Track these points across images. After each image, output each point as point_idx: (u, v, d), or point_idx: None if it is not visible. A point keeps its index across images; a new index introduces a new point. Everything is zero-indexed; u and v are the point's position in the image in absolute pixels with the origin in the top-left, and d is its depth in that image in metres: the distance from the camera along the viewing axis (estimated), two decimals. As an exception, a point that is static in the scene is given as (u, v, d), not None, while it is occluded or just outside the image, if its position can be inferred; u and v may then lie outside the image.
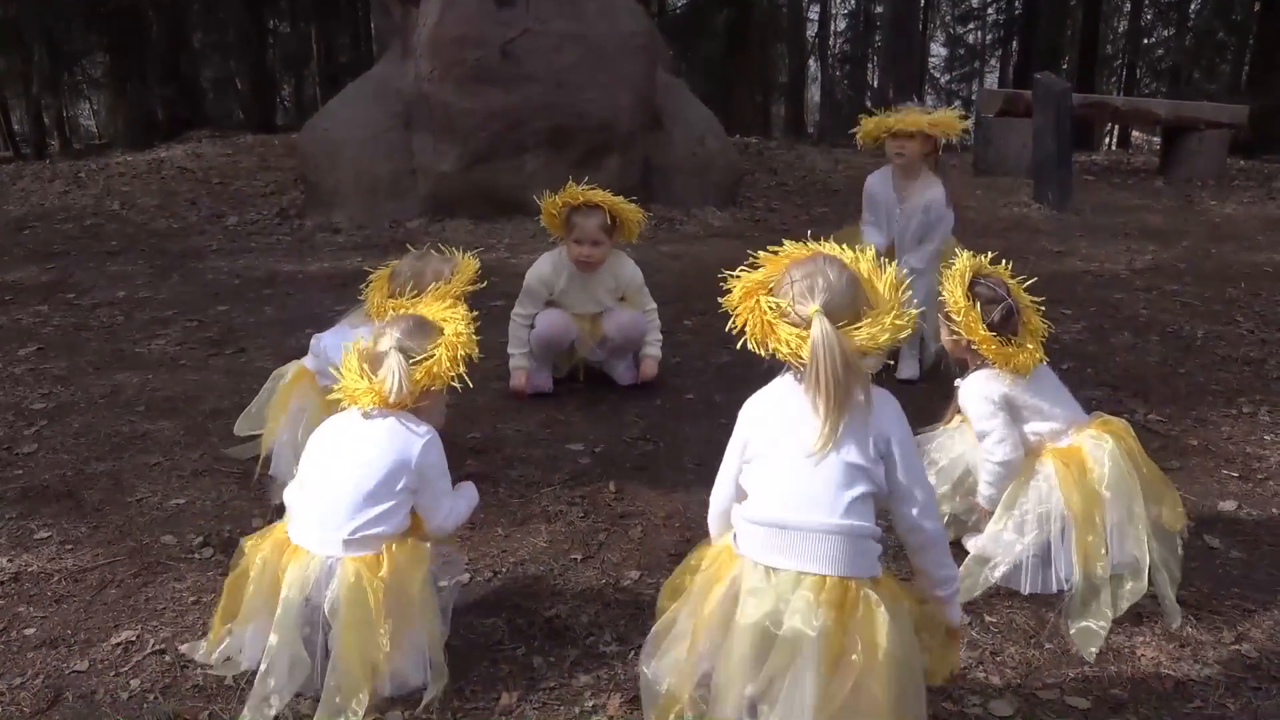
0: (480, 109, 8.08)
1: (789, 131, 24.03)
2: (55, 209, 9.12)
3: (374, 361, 2.58)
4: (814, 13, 30.34)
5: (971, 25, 31.35)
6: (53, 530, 3.44)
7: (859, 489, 2.15)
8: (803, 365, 2.13)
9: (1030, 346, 3.06)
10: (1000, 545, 3.03)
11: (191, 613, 2.94)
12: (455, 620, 2.84)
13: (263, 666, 2.42)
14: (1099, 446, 3.00)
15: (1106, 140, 23.17)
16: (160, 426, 4.32)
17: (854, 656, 2.05)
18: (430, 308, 2.84)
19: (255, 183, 9.98)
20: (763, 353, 2.20)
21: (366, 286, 3.68)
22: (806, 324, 2.12)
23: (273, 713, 2.39)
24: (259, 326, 5.75)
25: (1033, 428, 3.09)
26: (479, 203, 8.31)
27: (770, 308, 2.17)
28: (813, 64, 30.96)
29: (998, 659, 2.73)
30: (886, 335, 2.18)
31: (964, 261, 3.03)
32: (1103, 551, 2.89)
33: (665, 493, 3.67)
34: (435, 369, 2.56)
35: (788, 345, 2.14)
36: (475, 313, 2.82)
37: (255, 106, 19.38)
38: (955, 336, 3.11)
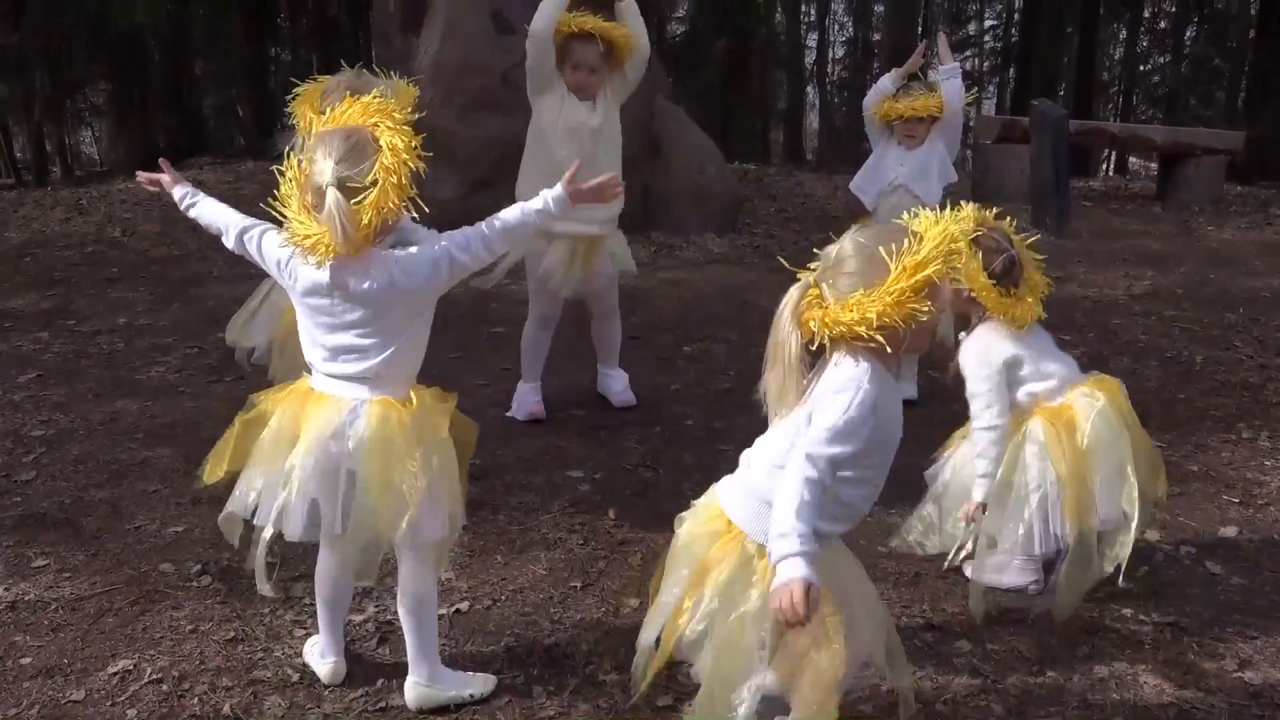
0: (481, 136, 8.10)
1: (788, 158, 24.07)
2: (56, 236, 9.13)
3: (315, 194, 2.34)
4: (812, 40, 30.54)
5: (969, 52, 31.47)
6: (50, 558, 3.42)
7: None
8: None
9: (1030, 300, 3.06)
10: (1005, 534, 3.05)
11: (189, 641, 2.92)
12: (453, 648, 2.83)
13: (280, 499, 2.41)
14: (1090, 404, 3.02)
15: (1104, 166, 23.24)
16: (159, 454, 4.31)
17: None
18: (362, 114, 2.52)
19: (257, 209, 9.97)
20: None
21: (293, 99, 3.51)
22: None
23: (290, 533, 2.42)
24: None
25: (1030, 388, 3.08)
26: (479, 229, 8.31)
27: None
28: (811, 91, 31.11)
29: (999, 687, 2.71)
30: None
31: (969, 212, 3.00)
32: (1094, 509, 2.92)
33: (665, 520, 3.63)
34: (381, 202, 2.31)
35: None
36: (422, 134, 2.53)
37: (256, 134, 19.46)
38: (956, 285, 3.03)
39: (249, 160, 13.43)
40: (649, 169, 8.80)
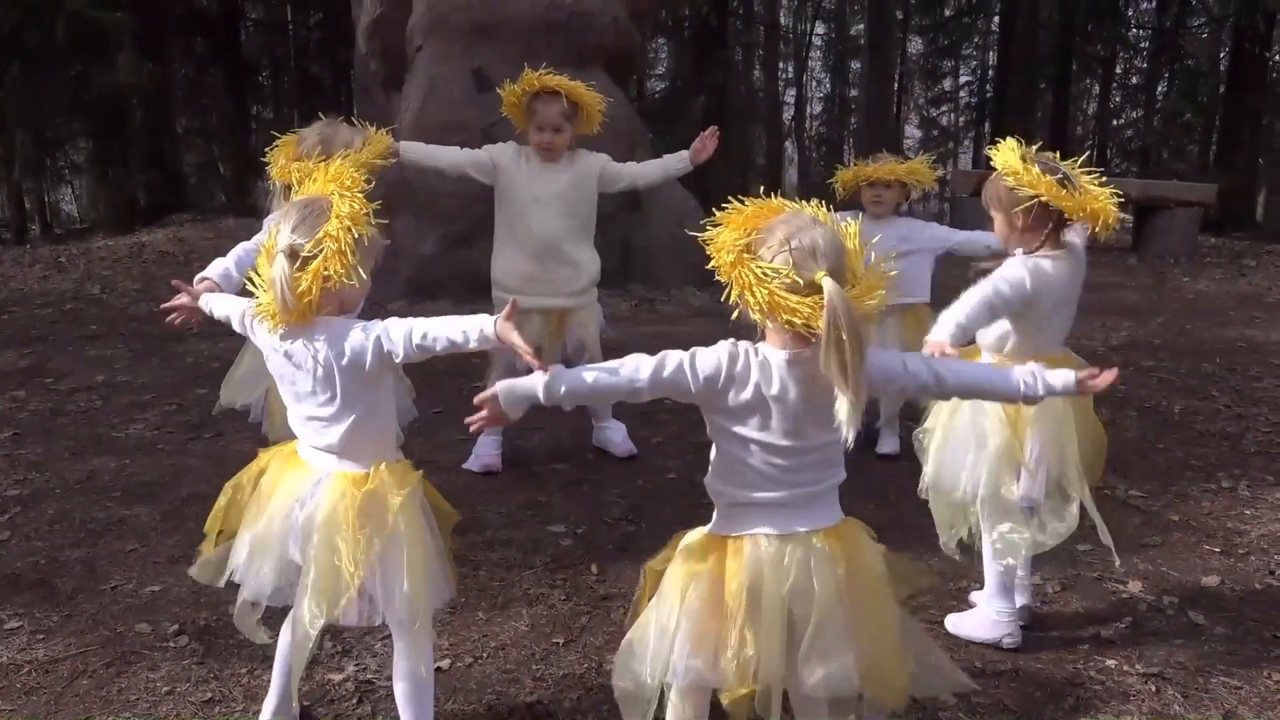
0: (461, 192, 8.09)
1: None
2: (35, 293, 9.12)
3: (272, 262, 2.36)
4: (790, 96, 30.93)
5: (945, 108, 31.93)
6: (24, 619, 3.38)
7: (840, 443, 2.19)
8: (814, 335, 2.03)
9: (1103, 198, 2.91)
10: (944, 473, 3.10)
11: (165, 703, 2.89)
12: (436, 705, 2.80)
13: (253, 569, 2.41)
14: None
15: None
16: (136, 512, 4.27)
17: (859, 585, 2.20)
18: (326, 182, 2.47)
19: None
20: (764, 323, 2.13)
21: (271, 149, 3.50)
22: (810, 290, 2.02)
23: (257, 618, 2.42)
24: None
25: (1011, 342, 3.04)
26: (459, 284, 8.33)
27: (769, 274, 2.04)
28: (789, 146, 31.46)
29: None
30: (876, 300, 2.12)
31: (1010, 141, 2.91)
32: (1011, 479, 2.97)
33: (647, 574, 3.64)
34: (324, 268, 2.25)
35: (798, 315, 2.01)
36: (377, 203, 2.47)
37: (237, 191, 19.52)
38: (1012, 215, 2.96)
39: (230, 217, 13.47)
40: (629, 223, 8.85)
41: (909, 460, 4.52)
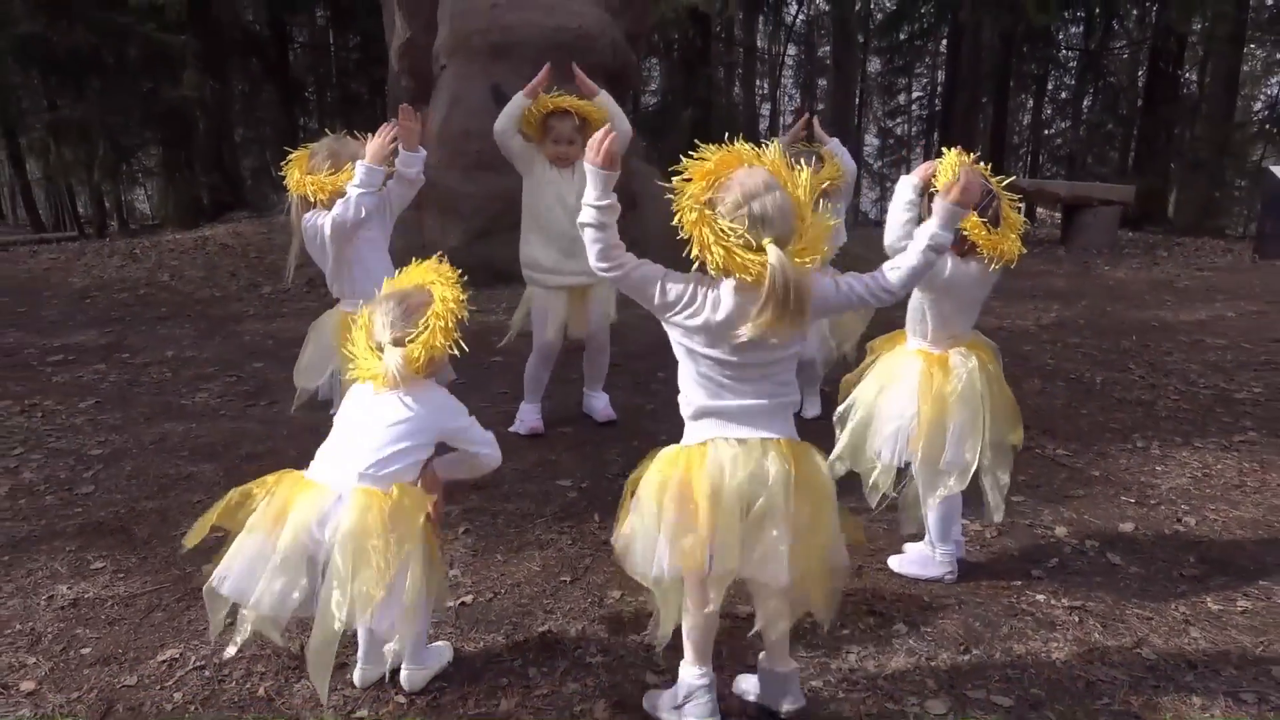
0: (481, 192, 8.11)
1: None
2: (113, 281, 9.08)
3: (377, 340, 2.42)
4: (765, 110, 30.79)
5: (899, 119, 31.85)
6: (107, 561, 3.38)
7: (788, 366, 2.26)
8: (759, 289, 2.06)
9: (1013, 236, 2.97)
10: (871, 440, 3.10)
11: (228, 633, 2.89)
12: (460, 635, 2.81)
13: (261, 585, 2.21)
14: (963, 362, 3.02)
15: (1015, 216, 23.42)
16: (202, 469, 4.27)
17: (807, 495, 2.21)
18: (416, 274, 2.58)
19: (287, 257, 9.96)
20: (720, 275, 2.12)
21: (286, 164, 3.47)
22: (760, 249, 2.05)
23: (277, 635, 2.27)
24: (289, 381, 5.67)
25: (929, 325, 3.06)
26: (480, 273, 8.27)
27: (726, 231, 2.05)
28: (765, 152, 31.26)
29: (932, 664, 2.71)
30: (819, 254, 2.16)
31: (952, 155, 2.85)
32: (941, 449, 2.96)
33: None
34: (431, 341, 2.36)
35: (748, 271, 2.06)
36: (460, 271, 2.57)
37: (289, 192, 19.41)
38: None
39: (282, 215, 13.43)
40: (626, 221, 8.81)
41: (827, 420, 4.55)
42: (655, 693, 2.49)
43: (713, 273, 2.12)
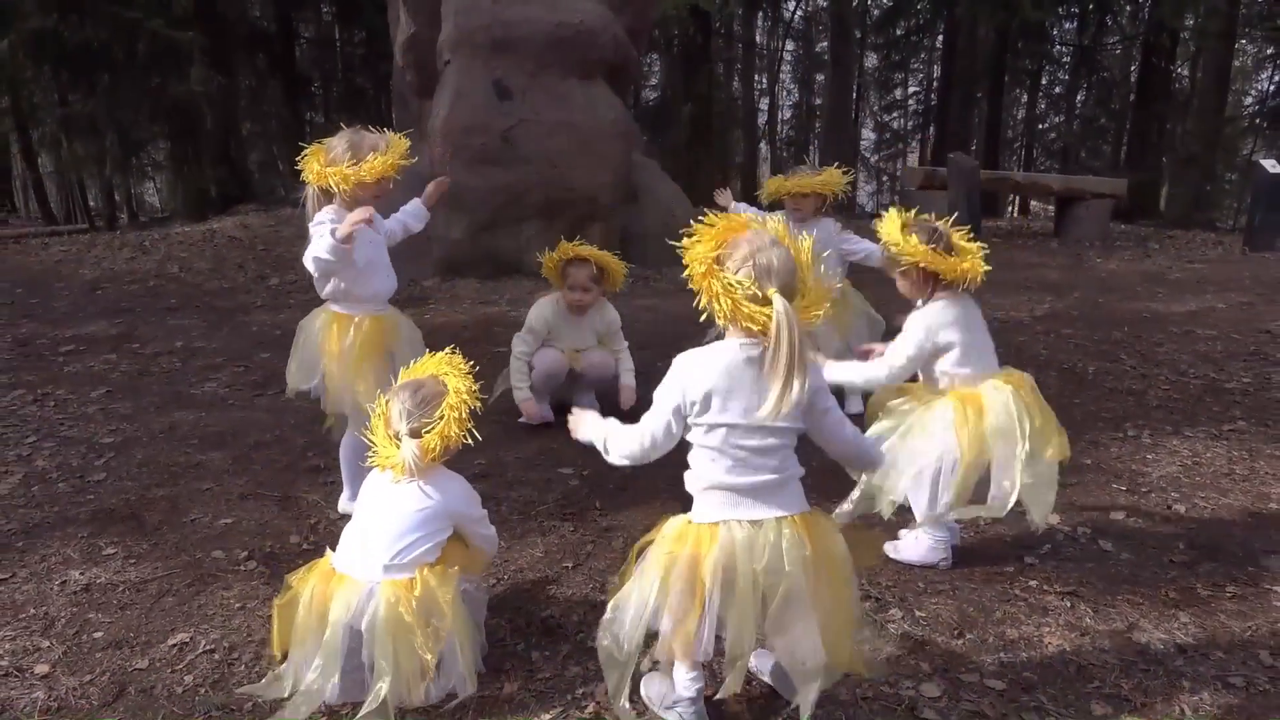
0: (485, 186, 8.11)
1: (744, 203, 24.14)
2: (123, 272, 9.08)
3: (395, 429, 2.55)
4: (764, 104, 30.71)
5: (896, 113, 31.76)
6: (118, 547, 3.39)
7: (794, 440, 2.23)
8: (764, 340, 2.08)
9: (971, 259, 3.01)
10: (901, 489, 3.05)
11: (238, 617, 2.90)
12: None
13: (310, 677, 2.37)
14: (997, 395, 2.99)
15: (1009, 209, 23.44)
16: (211, 457, 4.27)
17: (825, 571, 2.16)
18: (429, 365, 2.72)
19: (294, 249, 9.96)
20: (731, 328, 2.15)
21: (302, 158, 3.33)
22: (765, 301, 2.06)
23: (311, 708, 2.35)
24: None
25: (955, 371, 3.05)
26: (484, 265, 8.32)
27: (734, 285, 2.07)
28: (764, 147, 31.26)
29: (926, 648, 2.72)
30: (821, 310, 2.18)
31: (893, 213, 3.02)
32: (972, 483, 2.95)
33: (643, 509, 3.65)
34: (446, 431, 2.49)
35: (754, 322, 2.07)
36: (473, 363, 2.73)
37: (295, 184, 19.37)
38: (905, 270, 3.06)
39: (288, 208, 13.39)
40: (627, 213, 8.83)
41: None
42: (653, 677, 2.49)
43: (720, 324, 2.16)
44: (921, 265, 3.00)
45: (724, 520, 2.17)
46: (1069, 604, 2.97)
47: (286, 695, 2.44)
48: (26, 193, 25.48)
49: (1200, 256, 10.78)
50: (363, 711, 2.30)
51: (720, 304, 2.09)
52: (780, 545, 2.13)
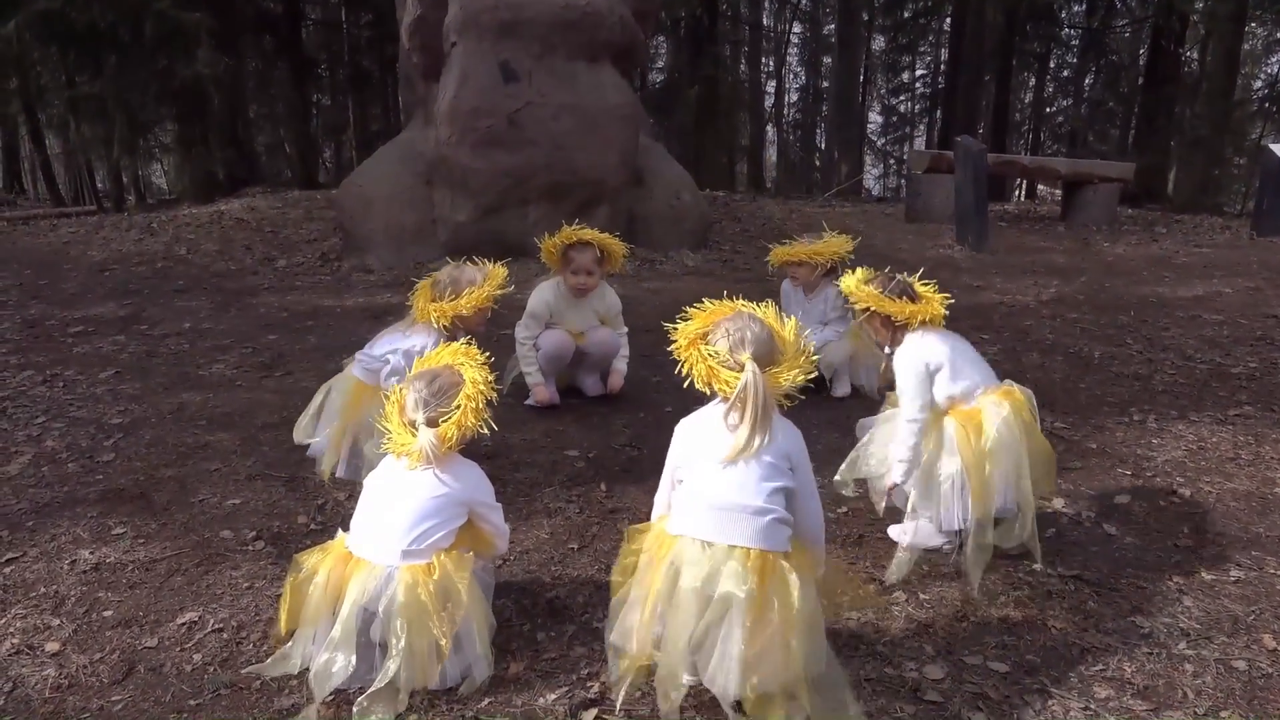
0: (491, 168, 8.09)
1: (750, 186, 24.09)
2: (131, 254, 9.08)
3: (411, 424, 2.55)
4: (770, 87, 30.57)
5: (903, 97, 31.58)
6: (128, 527, 3.40)
7: (777, 483, 2.31)
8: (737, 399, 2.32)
9: (932, 302, 3.14)
10: (924, 509, 3.09)
11: (245, 596, 2.91)
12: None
13: (324, 656, 2.36)
14: (996, 412, 3.01)
15: (1016, 193, 23.32)
16: (219, 438, 4.28)
17: (772, 614, 2.18)
18: (445, 355, 2.76)
19: (301, 231, 9.95)
20: (705, 390, 2.42)
21: (413, 293, 3.70)
22: (740, 368, 2.34)
23: (330, 687, 2.35)
24: (303, 353, 5.72)
25: (949, 389, 3.08)
26: (490, 247, 8.23)
27: (711, 355, 2.38)
28: (770, 130, 31.15)
29: (930, 630, 2.72)
30: (795, 377, 2.40)
31: (857, 273, 3.23)
32: (993, 497, 2.95)
33: (648, 491, 3.63)
34: (463, 421, 2.52)
35: (728, 385, 2.35)
36: (488, 354, 2.74)
37: (301, 167, 19.36)
38: (869, 318, 3.22)
39: (294, 190, 13.39)
40: (634, 196, 8.80)
41: (858, 399, 4.56)
42: None
43: (699, 386, 2.42)
44: (873, 309, 3.16)
45: (682, 534, 2.31)
46: (1073, 587, 2.97)
47: (294, 674, 2.45)
48: (35, 174, 25.47)
49: (1207, 241, 10.73)
50: (372, 689, 2.32)
51: (697, 369, 2.39)
52: (720, 571, 2.21)
